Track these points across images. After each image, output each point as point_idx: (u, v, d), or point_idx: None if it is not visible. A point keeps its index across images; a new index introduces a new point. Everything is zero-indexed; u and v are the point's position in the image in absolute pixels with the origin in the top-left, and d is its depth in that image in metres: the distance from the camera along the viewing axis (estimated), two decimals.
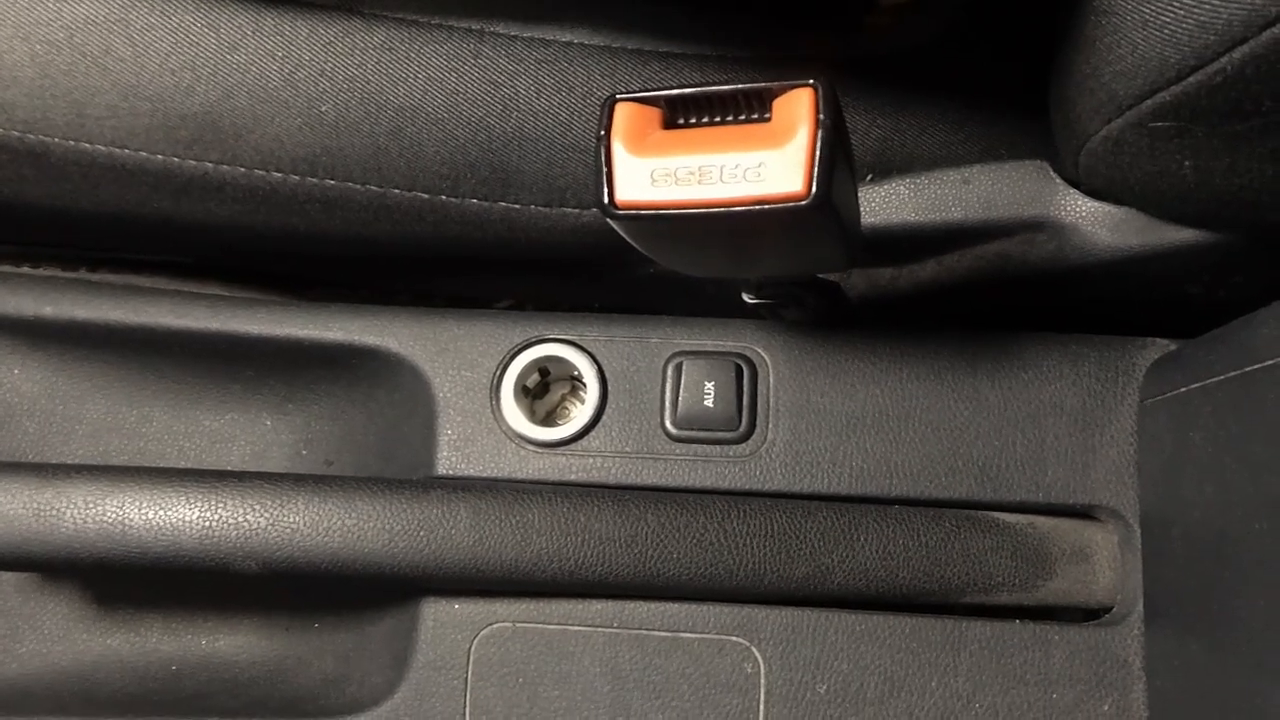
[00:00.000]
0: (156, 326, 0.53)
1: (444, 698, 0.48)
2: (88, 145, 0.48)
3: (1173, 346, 0.48)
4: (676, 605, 0.48)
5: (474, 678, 0.48)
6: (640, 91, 0.33)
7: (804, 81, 0.31)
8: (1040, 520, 0.49)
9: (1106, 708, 0.46)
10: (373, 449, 0.55)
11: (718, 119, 0.33)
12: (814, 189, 0.31)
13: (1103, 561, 0.48)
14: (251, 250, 0.57)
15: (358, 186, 0.48)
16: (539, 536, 0.47)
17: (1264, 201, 0.40)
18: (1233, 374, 0.39)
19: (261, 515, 0.47)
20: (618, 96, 0.33)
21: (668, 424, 0.49)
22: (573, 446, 0.50)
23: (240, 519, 0.47)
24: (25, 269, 0.61)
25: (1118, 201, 0.46)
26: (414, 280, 0.62)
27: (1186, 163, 0.39)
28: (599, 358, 0.51)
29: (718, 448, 0.49)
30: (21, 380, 0.57)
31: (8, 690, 0.53)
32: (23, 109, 0.47)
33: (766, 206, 0.31)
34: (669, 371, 0.50)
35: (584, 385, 0.51)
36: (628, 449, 0.50)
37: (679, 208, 0.32)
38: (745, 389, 0.49)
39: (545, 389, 0.53)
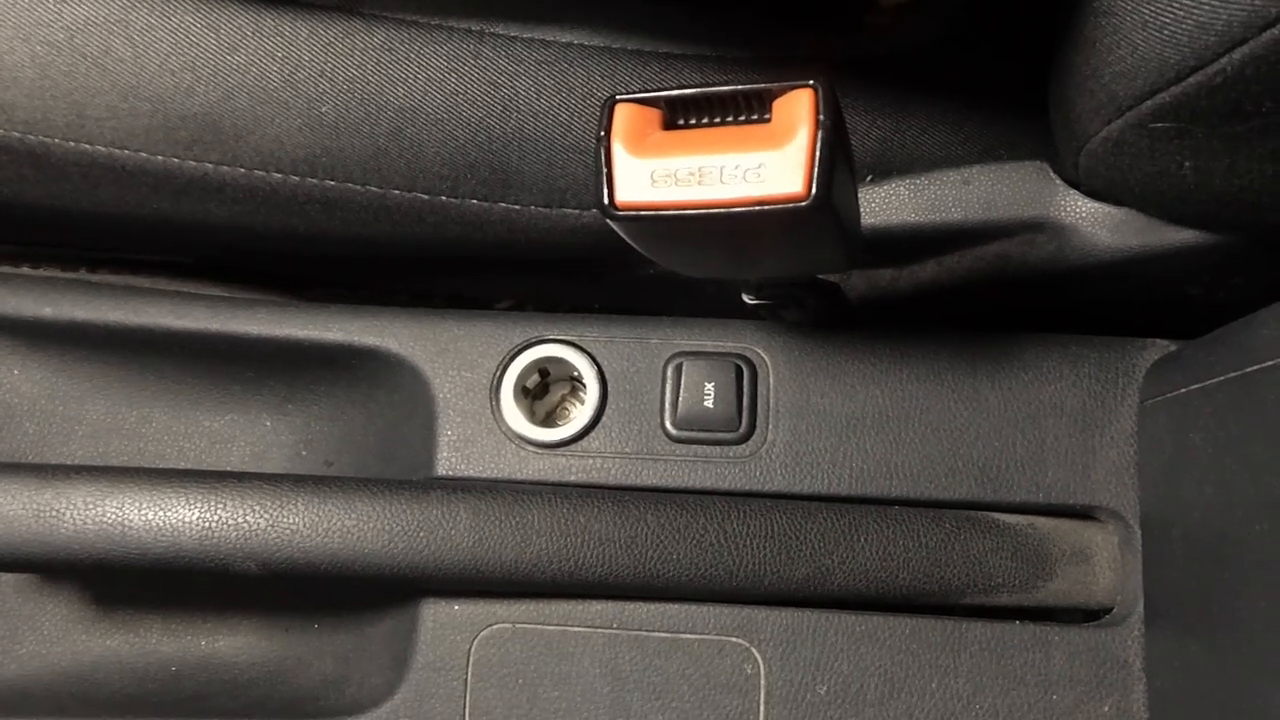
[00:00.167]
0: (156, 327, 0.53)
1: (444, 699, 0.48)
2: (88, 146, 0.48)
3: (1173, 347, 0.48)
4: (676, 606, 0.48)
5: (474, 679, 0.48)
6: (640, 92, 0.33)
7: (804, 82, 0.31)
8: (1040, 521, 0.49)
9: (1107, 709, 0.46)
10: (373, 450, 0.55)
11: (718, 120, 0.33)
12: (814, 190, 0.31)
13: (1103, 562, 0.48)
14: (251, 251, 0.57)
15: (358, 187, 0.48)
16: (539, 537, 0.47)
17: (1264, 202, 0.40)
18: (1233, 375, 0.39)
19: (261, 516, 0.47)
20: (618, 97, 0.33)
21: (668, 425, 0.49)
22: (572, 447, 0.50)
23: (240, 520, 0.47)
24: (25, 269, 0.61)
25: (1118, 202, 0.46)
26: (414, 281, 0.62)
27: (1186, 164, 0.39)
28: (599, 358, 0.50)
29: (718, 448, 0.49)
30: (21, 381, 0.57)
31: (7, 691, 0.53)
32: (23, 110, 0.47)
33: (766, 207, 0.31)
34: (669, 372, 0.50)
35: (584, 386, 0.51)
36: (628, 450, 0.49)
37: (679, 208, 0.32)
38: (745, 390, 0.49)
39: (545, 390, 0.53)
